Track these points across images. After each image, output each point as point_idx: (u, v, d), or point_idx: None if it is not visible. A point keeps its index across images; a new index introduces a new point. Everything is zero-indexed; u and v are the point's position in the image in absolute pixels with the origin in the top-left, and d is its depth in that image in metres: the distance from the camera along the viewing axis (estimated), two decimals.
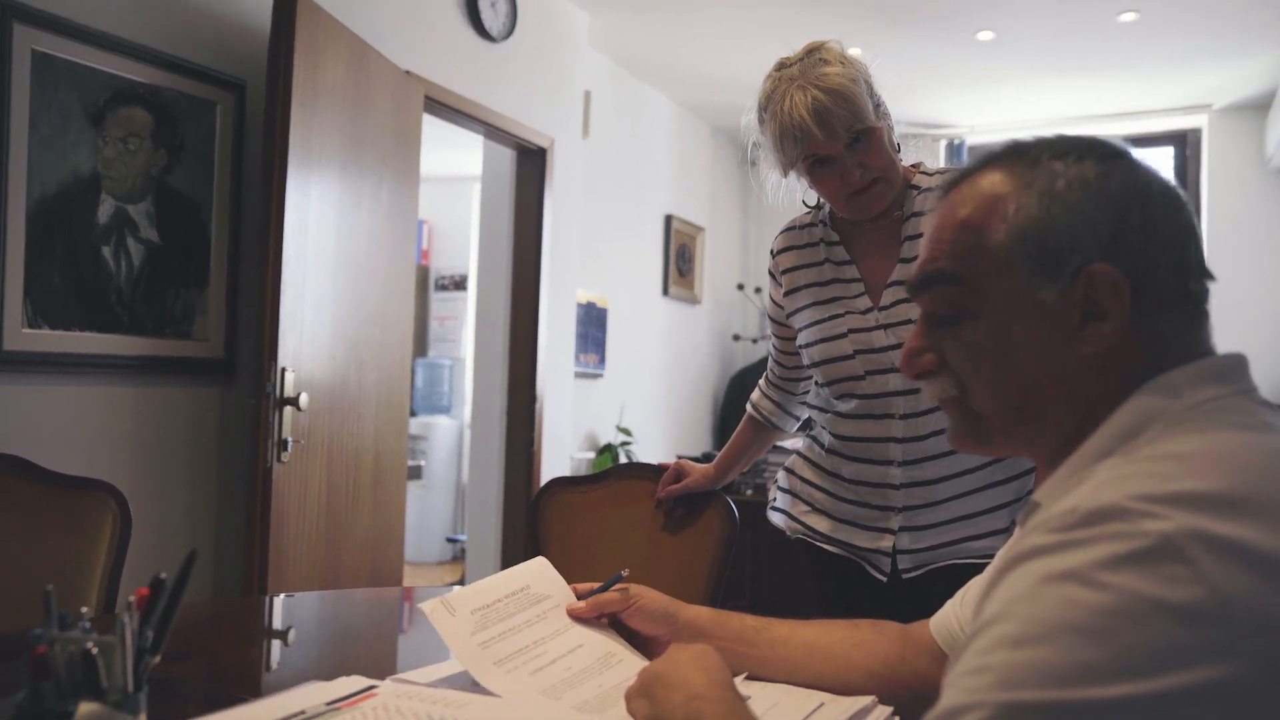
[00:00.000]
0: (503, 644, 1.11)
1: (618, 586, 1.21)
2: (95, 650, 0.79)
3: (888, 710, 1.08)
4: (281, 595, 2.24)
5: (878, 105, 1.66)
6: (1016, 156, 0.79)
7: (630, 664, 1.13)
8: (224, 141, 2.77)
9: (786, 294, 1.84)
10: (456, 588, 1.24)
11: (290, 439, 2.59)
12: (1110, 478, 0.67)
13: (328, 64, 2.81)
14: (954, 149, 5.82)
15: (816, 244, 1.81)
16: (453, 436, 6.71)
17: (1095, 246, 0.74)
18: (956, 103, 5.55)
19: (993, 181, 0.79)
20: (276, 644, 1.60)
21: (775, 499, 1.96)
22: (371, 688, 1.02)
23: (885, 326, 1.69)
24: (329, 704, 0.97)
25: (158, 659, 0.85)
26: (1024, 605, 0.61)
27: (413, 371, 6.91)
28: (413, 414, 6.88)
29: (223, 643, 1.57)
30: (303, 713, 0.94)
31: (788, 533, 1.91)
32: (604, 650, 1.15)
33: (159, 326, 2.61)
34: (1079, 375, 0.75)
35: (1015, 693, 0.58)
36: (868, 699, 1.08)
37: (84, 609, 0.84)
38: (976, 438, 0.83)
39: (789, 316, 1.86)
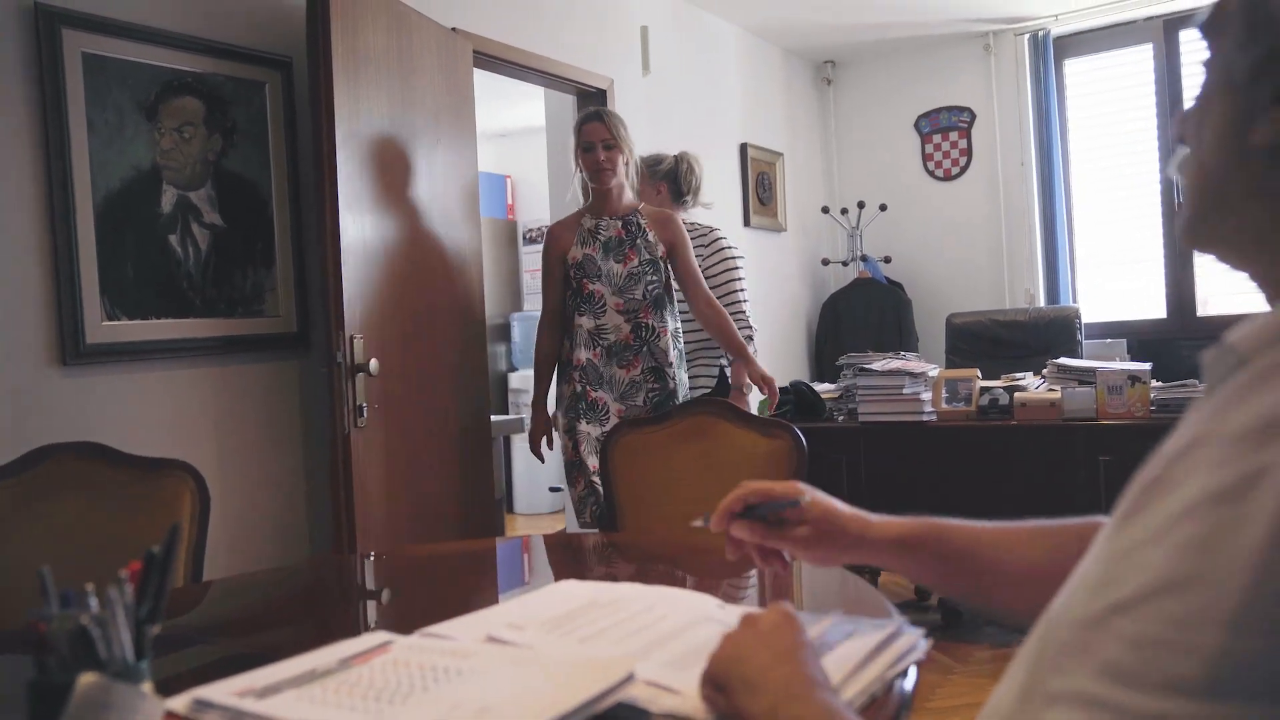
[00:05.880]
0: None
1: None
2: (89, 625, 0.83)
3: (920, 631, 1.05)
4: (372, 554, 2.32)
5: None
6: None
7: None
8: (275, 120, 2.82)
9: None
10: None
11: (365, 404, 2.66)
12: None
13: (368, 31, 2.82)
14: (1038, 44, 5.51)
15: None
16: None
17: None
18: None
19: None
20: (372, 604, 1.67)
21: None
22: (387, 643, 1.05)
23: None
24: (341, 661, 1.00)
25: (158, 628, 0.88)
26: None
27: (509, 326, 7.02)
28: (512, 369, 6.98)
29: (324, 603, 1.66)
30: (314, 670, 0.97)
31: None
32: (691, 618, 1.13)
33: (231, 307, 2.70)
34: (1253, 168, 0.62)
35: None
36: (895, 622, 1.05)
37: (88, 585, 0.87)
38: (1186, 230, 0.70)
39: None
